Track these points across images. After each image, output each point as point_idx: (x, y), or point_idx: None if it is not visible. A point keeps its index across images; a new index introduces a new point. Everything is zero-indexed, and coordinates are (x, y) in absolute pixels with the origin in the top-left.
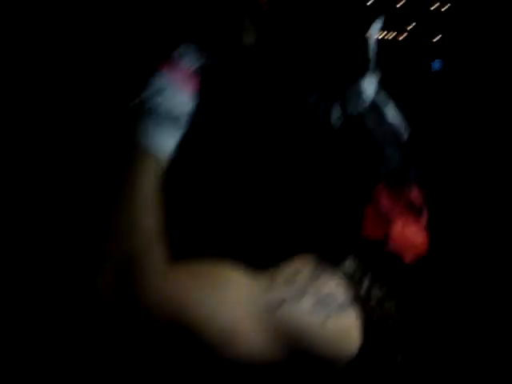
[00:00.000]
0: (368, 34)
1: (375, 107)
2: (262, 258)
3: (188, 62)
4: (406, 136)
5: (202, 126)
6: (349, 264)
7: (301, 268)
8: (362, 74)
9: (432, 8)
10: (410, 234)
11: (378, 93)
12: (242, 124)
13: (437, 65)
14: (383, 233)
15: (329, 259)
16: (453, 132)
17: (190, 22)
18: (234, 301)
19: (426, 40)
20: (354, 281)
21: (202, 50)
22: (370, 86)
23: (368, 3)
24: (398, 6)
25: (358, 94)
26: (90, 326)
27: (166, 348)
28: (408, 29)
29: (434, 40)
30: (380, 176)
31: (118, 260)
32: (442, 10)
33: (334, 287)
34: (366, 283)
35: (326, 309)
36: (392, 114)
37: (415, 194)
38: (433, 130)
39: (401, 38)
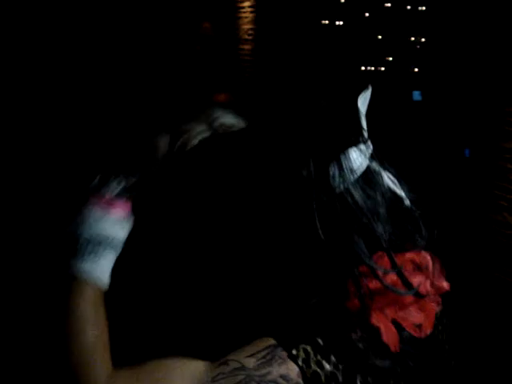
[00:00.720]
0: (357, 105)
1: (367, 179)
2: (215, 342)
3: (109, 188)
4: (408, 203)
5: (136, 244)
6: (306, 348)
7: (251, 353)
8: (348, 145)
9: (411, 40)
10: (403, 318)
11: (370, 163)
12: (185, 240)
13: (417, 95)
14: (358, 316)
15: (287, 339)
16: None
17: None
18: None
19: (406, 71)
20: (312, 364)
21: (123, 175)
22: (359, 157)
23: (349, 38)
24: (379, 38)
25: (346, 167)
26: None
27: None
28: (388, 60)
29: (413, 71)
30: (363, 254)
31: (62, 374)
32: (419, 44)
33: (285, 372)
34: (327, 367)
35: None
36: (388, 183)
37: (424, 264)
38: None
39: (382, 69)
